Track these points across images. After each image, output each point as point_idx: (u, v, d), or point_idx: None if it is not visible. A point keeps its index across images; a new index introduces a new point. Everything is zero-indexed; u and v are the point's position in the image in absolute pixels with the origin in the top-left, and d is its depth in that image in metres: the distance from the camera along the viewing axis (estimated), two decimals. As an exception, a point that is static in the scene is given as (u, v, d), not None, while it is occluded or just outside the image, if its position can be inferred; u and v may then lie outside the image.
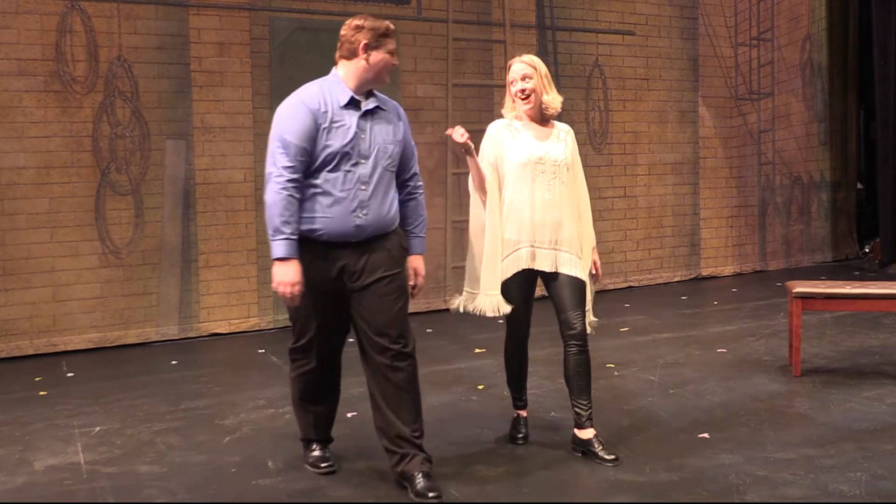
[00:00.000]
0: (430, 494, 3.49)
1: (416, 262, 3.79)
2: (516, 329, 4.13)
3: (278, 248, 3.45)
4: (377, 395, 3.62)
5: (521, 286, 3.99)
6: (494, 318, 4.07)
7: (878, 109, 9.71)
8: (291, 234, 3.46)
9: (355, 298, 3.60)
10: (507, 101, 4.12)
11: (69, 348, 6.33)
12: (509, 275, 3.96)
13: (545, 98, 4.02)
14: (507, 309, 3.94)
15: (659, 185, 8.98)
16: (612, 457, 3.89)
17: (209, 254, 6.82)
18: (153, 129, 6.61)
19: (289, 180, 3.47)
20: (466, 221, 4.18)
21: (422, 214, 3.85)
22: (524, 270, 3.96)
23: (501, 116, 4.12)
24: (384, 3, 7.44)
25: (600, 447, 3.93)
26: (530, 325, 4.14)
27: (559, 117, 4.16)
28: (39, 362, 6.06)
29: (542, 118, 4.07)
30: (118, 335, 6.51)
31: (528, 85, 3.99)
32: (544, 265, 3.95)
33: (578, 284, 3.96)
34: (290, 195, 3.47)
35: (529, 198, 3.94)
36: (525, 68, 4.00)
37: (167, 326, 6.69)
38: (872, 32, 9.74)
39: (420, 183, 3.86)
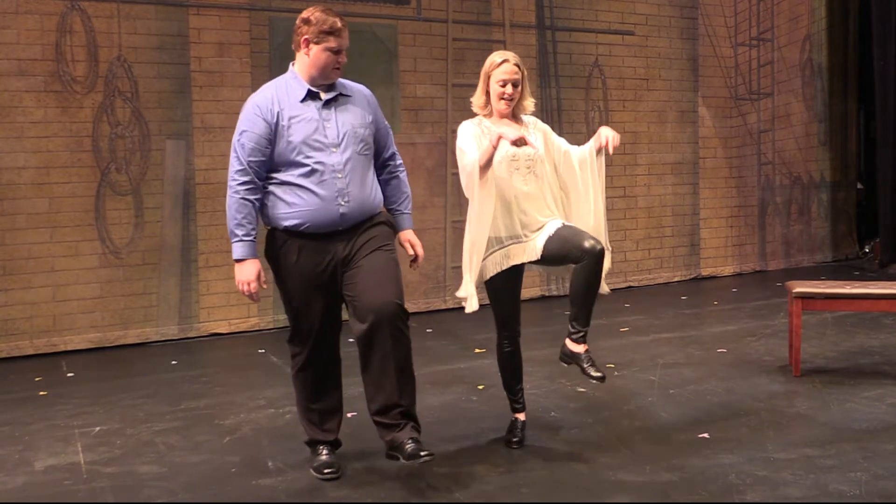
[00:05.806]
0: (422, 453, 3.54)
1: (409, 236, 3.89)
2: (507, 326, 4.07)
3: (235, 249, 3.65)
4: (373, 366, 3.60)
5: (508, 280, 3.94)
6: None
7: (878, 109, 9.69)
8: (245, 235, 3.62)
9: (348, 278, 3.65)
10: (480, 94, 4.01)
11: (69, 348, 6.32)
12: (495, 272, 3.90)
13: (525, 102, 4.02)
14: (474, 307, 3.85)
15: (658, 185, 8.97)
16: (599, 374, 3.79)
17: (209, 254, 6.81)
18: (153, 129, 6.60)
19: (240, 184, 3.61)
20: (466, 221, 4.16)
21: (405, 192, 3.92)
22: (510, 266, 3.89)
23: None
24: (384, 2, 7.44)
25: (588, 364, 3.82)
26: (520, 322, 4.10)
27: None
28: (39, 362, 6.06)
29: (512, 115, 4.04)
30: (118, 335, 6.50)
31: (517, 88, 3.95)
32: (540, 247, 3.84)
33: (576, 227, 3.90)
34: (242, 198, 3.61)
35: (509, 192, 3.88)
36: (517, 72, 3.93)
37: (167, 326, 6.69)
38: (872, 32, 9.72)
39: (400, 161, 3.93)
